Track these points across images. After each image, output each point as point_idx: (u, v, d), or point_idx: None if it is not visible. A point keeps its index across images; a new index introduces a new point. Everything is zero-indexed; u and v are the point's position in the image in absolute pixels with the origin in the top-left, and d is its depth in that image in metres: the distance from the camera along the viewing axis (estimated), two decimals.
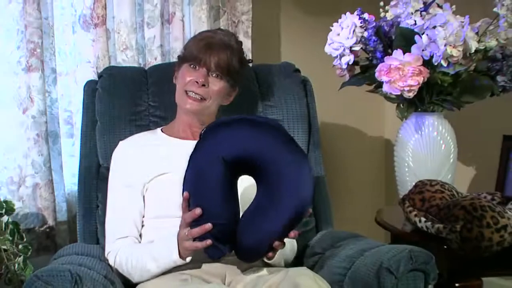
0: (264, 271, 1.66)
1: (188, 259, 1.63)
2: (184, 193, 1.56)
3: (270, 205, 1.53)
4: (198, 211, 1.54)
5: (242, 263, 1.65)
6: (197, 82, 1.80)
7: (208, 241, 1.54)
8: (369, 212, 2.43)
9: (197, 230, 1.55)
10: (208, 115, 1.87)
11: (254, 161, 1.54)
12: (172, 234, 1.64)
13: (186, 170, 1.57)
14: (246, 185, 1.68)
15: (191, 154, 1.57)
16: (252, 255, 1.61)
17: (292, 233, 1.56)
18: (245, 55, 1.94)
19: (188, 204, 1.57)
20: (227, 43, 1.84)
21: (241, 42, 1.94)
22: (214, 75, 1.82)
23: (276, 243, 1.56)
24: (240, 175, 1.59)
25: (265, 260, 1.66)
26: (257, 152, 1.53)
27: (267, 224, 1.54)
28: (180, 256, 1.62)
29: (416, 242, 1.72)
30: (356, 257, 1.70)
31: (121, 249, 1.77)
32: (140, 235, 1.81)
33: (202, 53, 1.80)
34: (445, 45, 1.97)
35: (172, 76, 1.92)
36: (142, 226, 1.82)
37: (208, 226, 1.53)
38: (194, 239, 1.56)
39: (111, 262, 1.78)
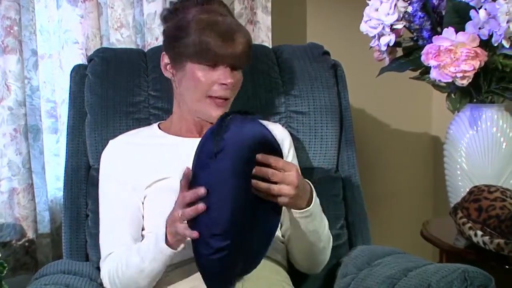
0: None
1: (180, 247, 1.57)
2: (186, 168, 1.51)
3: None
4: (202, 190, 1.47)
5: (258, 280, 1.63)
6: (225, 84, 1.77)
7: (195, 234, 1.48)
8: (413, 224, 2.43)
9: (189, 211, 1.49)
10: None
11: None
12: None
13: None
14: None
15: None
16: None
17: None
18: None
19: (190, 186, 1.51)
20: (236, 25, 1.81)
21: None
22: (233, 68, 1.80)
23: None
24: None
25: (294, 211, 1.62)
26: None
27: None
28: (169, 245, 1.57)
29: (471, 261, 1.72)
30: (398, 278, 1.70)
31: (110, 260, 1.75)
32: None
33: (222, 49, 1.75)
34: (507, 22, 1.96)
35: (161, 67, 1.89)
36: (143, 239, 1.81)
37: (201, 206, 1.46)
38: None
39: (106, 283, 1.77)
